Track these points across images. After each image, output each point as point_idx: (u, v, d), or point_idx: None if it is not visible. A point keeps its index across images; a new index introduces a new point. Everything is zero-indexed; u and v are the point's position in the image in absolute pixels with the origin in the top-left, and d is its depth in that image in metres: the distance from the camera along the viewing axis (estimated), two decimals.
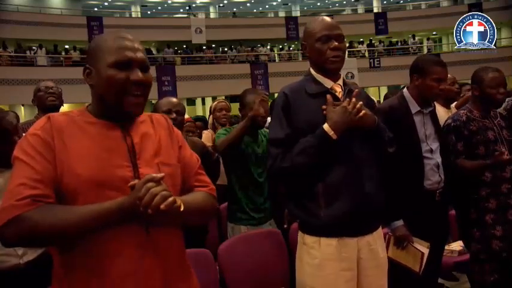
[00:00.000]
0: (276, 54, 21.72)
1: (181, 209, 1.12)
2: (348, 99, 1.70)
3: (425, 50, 22.03)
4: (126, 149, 1.21)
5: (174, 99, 2.61)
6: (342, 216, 1.69)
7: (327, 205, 1.69)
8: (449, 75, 2.60)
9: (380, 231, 1.85)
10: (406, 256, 2.22)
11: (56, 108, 2.86)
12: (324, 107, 1.71)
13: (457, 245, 2.83)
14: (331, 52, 1.74)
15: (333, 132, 1.65)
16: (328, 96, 1.73)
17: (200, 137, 3.82)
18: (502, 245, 2.36)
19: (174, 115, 2.43)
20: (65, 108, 2.88)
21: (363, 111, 1.68)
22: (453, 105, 3.44)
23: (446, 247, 2.63)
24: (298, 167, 1.68)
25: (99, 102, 1.24)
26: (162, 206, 1.05)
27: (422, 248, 2.20)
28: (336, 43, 1.75)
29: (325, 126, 1.66)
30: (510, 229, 2.36)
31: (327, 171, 1.70)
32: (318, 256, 1.72)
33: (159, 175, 1.09)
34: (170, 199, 1.07)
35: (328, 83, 1.79)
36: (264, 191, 2.67)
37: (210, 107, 4.24)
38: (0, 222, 1.06)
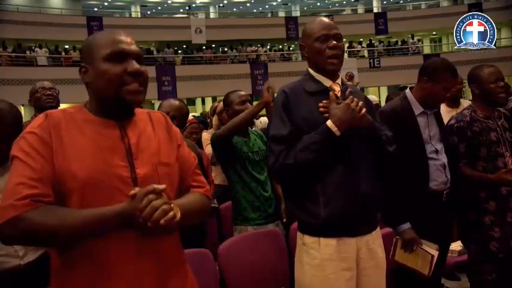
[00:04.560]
0: (272, 54, 21.67)
1: (178, 217, 1.12)
2: (351, 97, 1.71)
3: (425, 50, 22.02)
4: (123, 149, 1.20)
5: (176, 102, 2.58)
6: (341, 215, 1.69)
7: (326, 204, 1.70)
8: None
9: (378, 231, 1.85)
10: (414, 259, 2.20)
11: (53, 109, 2.85)
12: (322, 104, 1.72)
13: (457, 245, 2.82)
14: (329, 51, 1.76)
15: (336, 129, 1.66)
16: (331, 93, 1.74)
17: (200, 138, 3.79)
18: (499, 246, 2.35)
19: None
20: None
21: (364, 110, 1.70)
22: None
23: None
24: (302, 163, 1.68)
25: (97, 99, 1.23)
26: (162, 222, 1.05)
27: (432, 250, 2.17)
28: (335, 42, 1.76)
29: (329, 122, 1.67)
30: (508, 231, 2.36)
31: (326, 171, 1.71)
32: (318, 256, 1.73)
33: (161, 187, 1.09)
34: (170, 214, 1.07)
35: (327, 81, 1.80)
36: (267, 188, 2.63)
37: (213, 108, 4.13)
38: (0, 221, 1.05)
